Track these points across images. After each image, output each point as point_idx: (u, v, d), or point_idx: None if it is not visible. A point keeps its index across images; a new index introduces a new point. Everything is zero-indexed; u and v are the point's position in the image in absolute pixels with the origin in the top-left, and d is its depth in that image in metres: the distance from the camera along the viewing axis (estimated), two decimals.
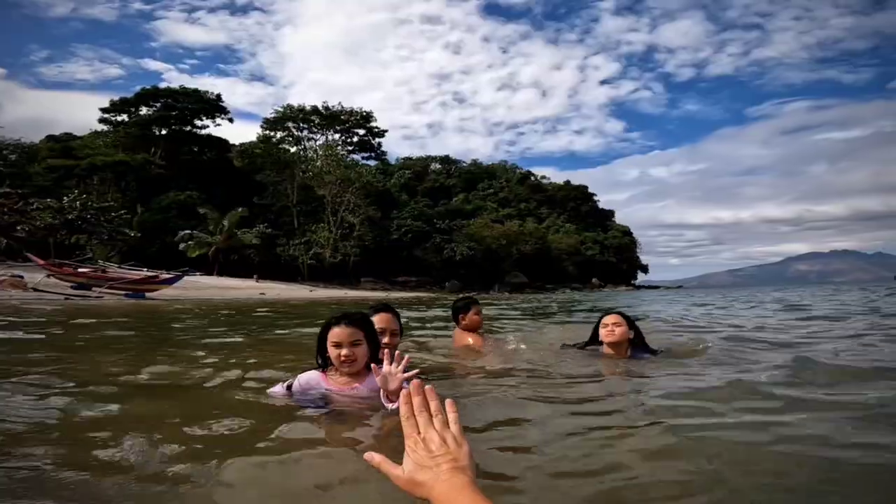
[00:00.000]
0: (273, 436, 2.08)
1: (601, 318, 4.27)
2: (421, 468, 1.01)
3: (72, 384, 3.02)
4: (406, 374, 2.26)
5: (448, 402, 1.13)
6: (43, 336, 6.04)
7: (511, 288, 66.31)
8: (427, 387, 1.15)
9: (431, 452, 1.02)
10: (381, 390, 2.27)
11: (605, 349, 4.18)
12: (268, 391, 2.75)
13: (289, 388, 2.68)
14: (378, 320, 3.07)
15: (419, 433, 1.07)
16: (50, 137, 59.13)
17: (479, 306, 4.93)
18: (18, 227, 26.24)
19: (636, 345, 4.22)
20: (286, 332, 7.49)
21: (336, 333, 2.50)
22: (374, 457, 1.08)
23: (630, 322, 4.23)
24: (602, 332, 4.17)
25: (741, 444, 1.98)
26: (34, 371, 3.38)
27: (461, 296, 5.76)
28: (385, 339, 3.00)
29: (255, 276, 42.77)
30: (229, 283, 34.78)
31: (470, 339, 4.88)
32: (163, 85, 59.29)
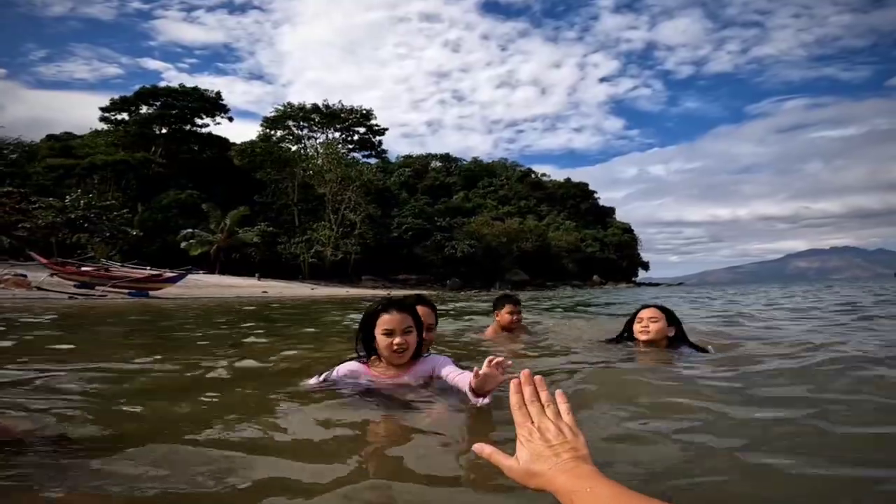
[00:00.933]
0: (334, 428, 1.94)
1: (636, 312, 3.78)
2: (538, 458, 0.98)
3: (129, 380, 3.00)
4: (505, 377, 2.01)
5: (558, 392, 1.10)
6: (73, 334, 6.03)
7: (512, 286, 66.22)
8: (537, 377, 1.13)
9: (549, 442, 1.00)
10: (468, 387, 2.07)
11: (640, 348, 3.68)
12: (301, 385, 2.62)
13: (325, 380, 2.56)
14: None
15: (532, 423, 1.04)
16: (50, 137, 59.03)
17: (513, 305, 4.79)
18: (20, 226, 26.22)
19: (677, 346, 3.65)
20: (318, 329, 7.34)
21: (388, 320, 2.38)
22: (485, 448, 1.06)
23: (670, 316, 3.68)
24: (636, 328, 3.69)
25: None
26: (69, 366, 3.38)
27: (503, 292, 5.76)
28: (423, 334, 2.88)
29: (256, 275, 42.75)
30: (231, 281, 34.78)
31: (496, 337, 4.83)
32: (162, 84, 59.14)
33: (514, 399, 1.10)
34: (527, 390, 1.10)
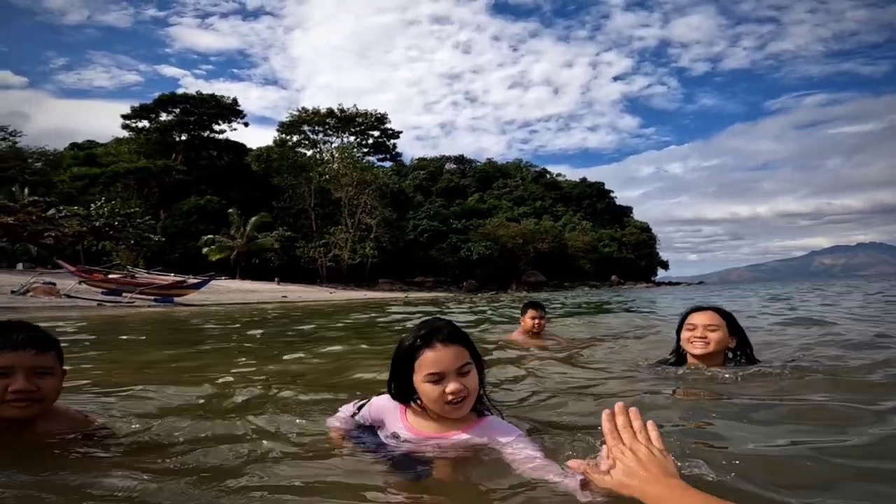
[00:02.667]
0: None
1: (685, 315, 2.95)
2: (630, 473, 1.14)
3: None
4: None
5: (650, 423, 1.27)
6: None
7: (528, 287, 66.04)
8: (632, 409, 1.29)
9: (640, 461, 1.14)
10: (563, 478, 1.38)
11: (690, 361, 2.93)
12: (336, 415, 2.08)
13: (359, 409, 1.97)
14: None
15: (624, 444, 1.22)
16: (73, 145, 60.38)
17: (534, 310, 4.82)
18: (46, 235, 26.88)
19: (737, 359, 2.94)
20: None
21: (433, 360, 1.62)
22: (579, 464, 1.27)
23: (732, 322, 2.89)
24: (685, 336, 2.90)
25: None
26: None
27: (530, 298, 5.83)
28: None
29: (275, 279, 43.26)
30: (251, 286, 35.19)
31: (520, 341, 4.87)
32: (180, 90, 60.27)
33: (606, 426, 1.26)
34: (620, 419, 1.26)
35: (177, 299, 19.33)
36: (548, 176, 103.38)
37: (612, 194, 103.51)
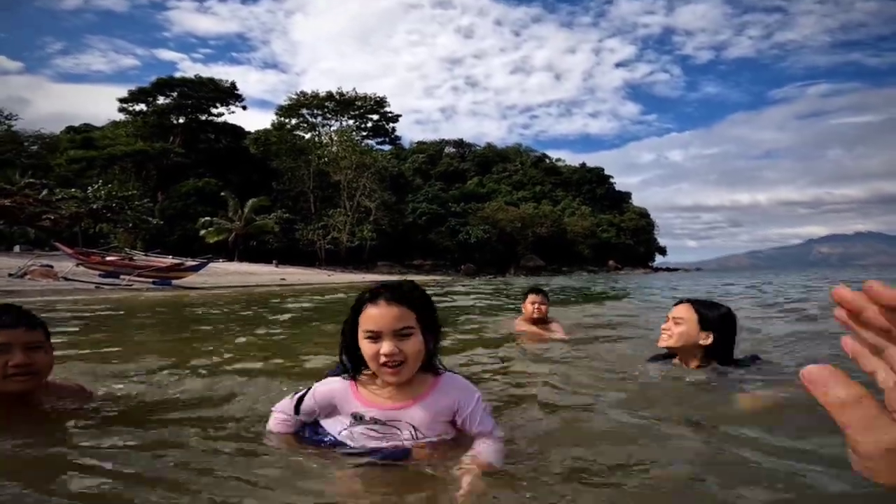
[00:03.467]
0: None
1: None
2: None
3: None
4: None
5: None
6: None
7: (527, 271, 66.30)
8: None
9: None
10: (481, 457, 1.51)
11: (676, 361, 2.86)
12: (272, 412, 1.81)
13: (299, 404, 1.72)
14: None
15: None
16: (70, 129, 59.92)
17: (534, 295, 4.70)
18: (43, 217, 26.88)
19: (714, 356, 2.72)
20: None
21: (372, 317, 1.56)
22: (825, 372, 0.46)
23: (707, 319, 2.68)
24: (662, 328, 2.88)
25: None
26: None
27: (532, 284, 5.72)
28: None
29: (274, 262, 43.34)
30: (250, 268, 35.29)
31: (522, 328, 4.74)
32: (178, 74, 59.80)
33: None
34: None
35: (174, 282, 19.39)
36: (547, 161, 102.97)
37: (611, 180, 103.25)
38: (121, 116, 58.00)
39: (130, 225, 34.43)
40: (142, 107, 57.22)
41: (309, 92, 64.77)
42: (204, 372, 3.07)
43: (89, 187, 32.34)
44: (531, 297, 4.69)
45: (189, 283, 19.91)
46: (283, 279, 30.03)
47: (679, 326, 2.69)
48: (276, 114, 64.53)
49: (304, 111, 64.53)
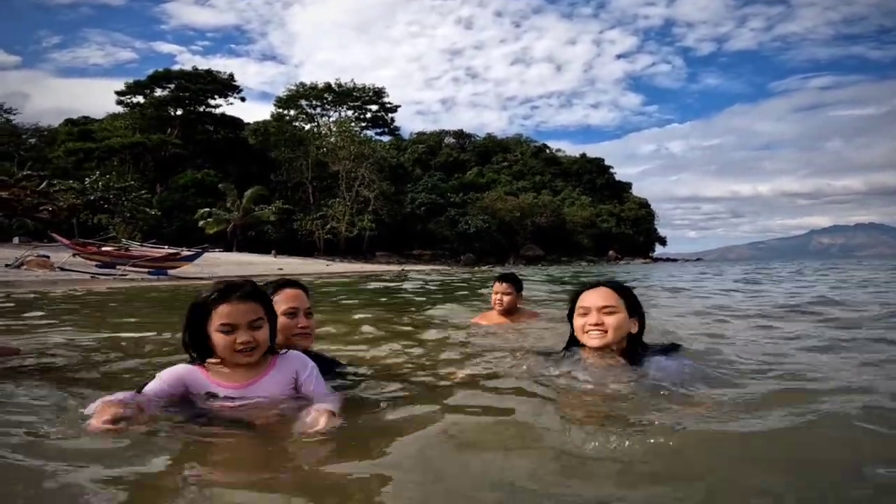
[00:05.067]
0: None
1: (575, 295, 2.34)
2: None
3: None
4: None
5: None
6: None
7: (526, 261, 66.42)
8: None
9: None
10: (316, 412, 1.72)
11: (586, 353, 2.27)
12: (86, 413, 1.69)
13: (141, 388, 1.84)
14: (286, 298, 2.28)
15: None
16: (68, 121, 59.96)
17: (502, 284, 4.25)
18: (41, 209, 27.08)
19: (634, 345, 2.28)
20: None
21: (226, 313, 1.79)
22: None
23: (632, 302, 2.28)
24: (578, 323, 2.27)
25: None
26: None
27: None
28: (301, 321, 2.28)
29: (272, 252, 43.56)
30: (248, 258, 35.48)
31: (482, 321, 4.38)
32: (176, 67, 59.58)
33: None
34: None
35: (171, 271, 19.59)
36: (547, 151, 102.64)
37: (611, 170, 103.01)
38: (119, 109, 58.13)
39: (128, 215, 34.62)
40: (139, 99, 57.27)
41: (307, 83, 64.82)
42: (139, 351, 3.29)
43: (86, 179, 32.49)
44: (496, 286, 4.26)
45: (185, 273, 20.08)
46: (281, 269, 30.19)
47: (611, 317, 2.19)
48: (275, 105, 64.66)
49: (303, 102, 64.56)
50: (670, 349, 2.47)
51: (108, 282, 14.60)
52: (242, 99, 61.09)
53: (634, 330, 2.26)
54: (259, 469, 1.48)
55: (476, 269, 48.62)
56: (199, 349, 1.85)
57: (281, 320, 2.09)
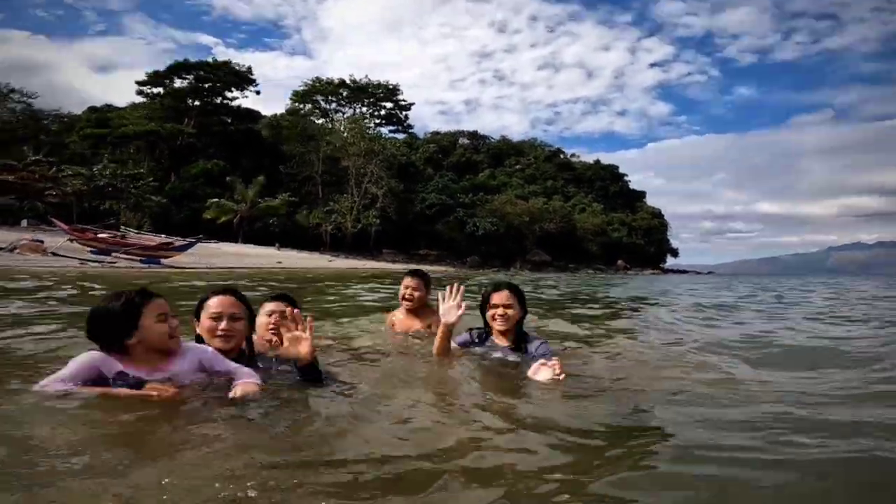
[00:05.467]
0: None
1: (488, 295, 3.34)
2: None
3: None
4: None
5: None
6: None
7: (532, 266, 66.09)
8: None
9: None
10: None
11: (495, 334, 3.38)
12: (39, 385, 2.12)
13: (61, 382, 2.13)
14: (216, 304, 2.59)
15: None
16: (91, 109, 61.21)
17: (411, 279, 4.28)
18: (47, 193, 27.71)
19: (519, 328, 3.36)
20: None
21: (160, 304, 2.23)
22: None
23: (522, 298, 3.36)
24: (489, 314, 3.33)
25: None
26: None
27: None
28: (223, 325, 2.54)
29: (276, 245, 44.00)
30: (249, 250, 35.85)
31: (392, 319, 4.45)
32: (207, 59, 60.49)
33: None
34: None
35: (164, 261, 19.94)
36: (561, 156, 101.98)
37: (625, 178, 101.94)
38: (140, 99, 59.25)
39: (132, 202, 35.24)
40: (160, 90, 58.31)
41: (324, 79, 65.30)
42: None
43: (95, 166, 33.17)
44: (405, 281, 4.28)
45: (178, 263, 20.44)
46: (280, 262, 30.43)
47: (510, 310, 3.24)
48: (291, 99, 65.22)
49: (319, 97, 65.09)
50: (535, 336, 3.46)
51: (96, 268, 14.92)
52: (257, 92, 61.90)
53: (520, 316, 3.31)
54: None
55: (480, 272, 48.58)
56: (116, 339, 2.16)
57: (207, 324, 2.52)
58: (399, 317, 4.38)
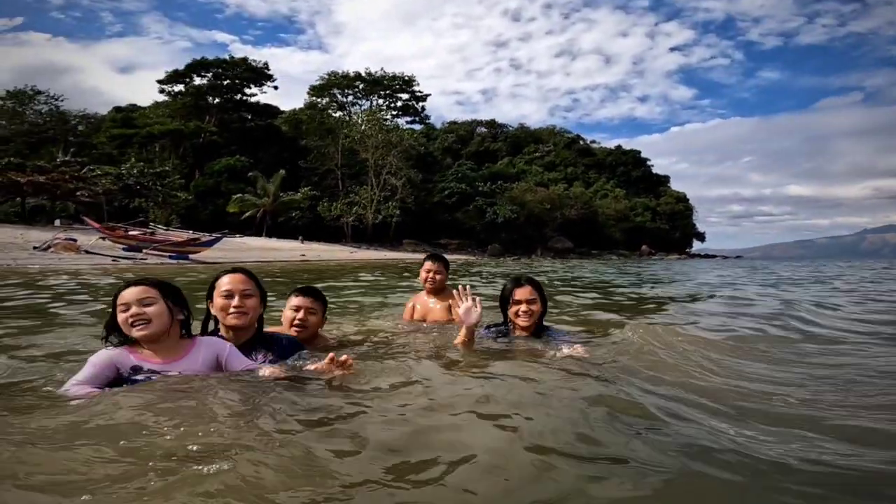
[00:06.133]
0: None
1: (510, 291, 3.30)
2: None
3: None
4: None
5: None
6: None
7: (554, 253, 65.60)
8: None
9: None
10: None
11: (517, 333, 3.34)
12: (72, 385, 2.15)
13: (84, 383, 2.16)
14: (229, 282, 2.64)
15: None
16: (116, 108, 62.54)
17: (431, 262, 4.42)
18: (78, 193, 28.47)
19: (540, 321, 3.36)
20: None
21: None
22: None
23: (543, 293, 3.32)
24: (511, 311, 3.29)
25: None
26: None
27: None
28: (235, 301, 2.60)
29: (300, 238, 44.56)
30: (273, 244, 36.40)
31: (416, 304, 4.59)
32: (224, 56, 61.19)
33: None
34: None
35: (192, 256, 20.33)
36: (581, 142, 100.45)
37: (648, 162, 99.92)
38: (161, 98, 60.31)
39: (160, 199, 35.99)
40: (180, 88, 59.22)
41: (339, 72, 65.53)
42: None
43: (123, 165, 33.94)
44: (426, 265, 4.41)
45: (206, 258, 20.81)
46: (304, 255, 30.83)
47: (534, 305, 3.21)
48: (308, 93, 65.62)
49: (335, 91, 65.37)
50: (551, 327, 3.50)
51: (128, 265, 15.30)
52: (276, 87, 62.39)
53: (542, 311, 3.30)
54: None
55: (502, 259, 48.45)
56: (120, 334, 2.20)
57: (220, 302, 2.56)
58: (421, 299, 4.55)
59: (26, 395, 2.28)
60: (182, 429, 1.70)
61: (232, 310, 2.52)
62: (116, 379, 2.15)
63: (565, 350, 2.97)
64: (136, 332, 2.17)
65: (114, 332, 2.22)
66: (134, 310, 2.16)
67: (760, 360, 3.52)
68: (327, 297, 3.29)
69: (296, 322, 3.09)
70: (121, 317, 2.17)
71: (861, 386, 2.86)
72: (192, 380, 2.18)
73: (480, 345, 3.26)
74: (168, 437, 1.65)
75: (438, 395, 2.27)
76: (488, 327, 3.48)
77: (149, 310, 2.18)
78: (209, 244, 20.96)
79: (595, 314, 6.00)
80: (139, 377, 2.16)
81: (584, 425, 1.90)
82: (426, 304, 4.48)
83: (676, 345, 3.68)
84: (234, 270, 2.65)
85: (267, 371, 2.31)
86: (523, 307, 3.19)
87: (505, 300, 3.30)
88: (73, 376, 2.17)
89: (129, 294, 2.18)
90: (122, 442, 1.61)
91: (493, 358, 2.94)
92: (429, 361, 2.89)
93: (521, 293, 3.21)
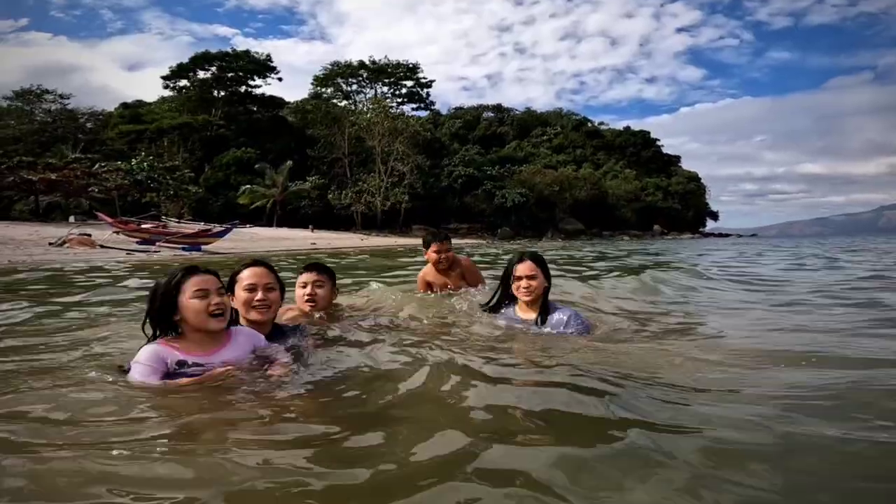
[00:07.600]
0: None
1: (511, 266, 3.35)
2: None
3: None
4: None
5: None
6: None
7: (565, 235, 65.29)
8: None
9: None
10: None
11: (520, 310, 3.39)
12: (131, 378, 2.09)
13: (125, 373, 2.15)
14: (249, 275, 2.62)
15: None
16: (123, 105, 62.95)
17: (439, 244, 4.53)
18: (89, 189, 28.81)
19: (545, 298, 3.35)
20: None
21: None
22: None
23: (546, 268, 3.34)
24: (514, 286, 3.33)
25: None
26: None
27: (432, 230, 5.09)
28: (258, 295, 2.57)
29: (310, 227, 44.80)
30: (283, 233, 36.64)
31: (426, 277, 4.74)
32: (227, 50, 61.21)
33: None
34: None
35: (204, 247, 20.53)
36: (589, 124, 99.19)
37: (658, 143, 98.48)
38: (167, 92, 60.58)
39: (171, 193, 36.33)
40: (185, 82, 59.41)
41: (343, 62, 65.34)
42: None
43: (133, 160, 34.25)
44: (434, 246, 4.53)
45: (218, 249, 21.02)
46: (314, 244, 30.98)
47: (534, 280, 3.23)
48: (312, 84, 65.56)
49: (340, 80, 65.22)
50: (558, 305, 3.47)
51: (142, 258, 15.51)
52: (280, 79, 62.41)
53: (546, 285, 3.30)
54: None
55: (512, 242, 48.37)
56: (164, 327, 2.14)
57: (242, 296, 2.52)
58: (432, 272, 4.73)
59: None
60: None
61: (256, 303, 2.50)
62: (165, 373, 2.07)
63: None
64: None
65: (160, 326, 2.15)
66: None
67: None
68: (339, 278, 3.41)
69: (306, 297, 3.24)
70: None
71: None
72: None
73: (480, 321, 3.45)
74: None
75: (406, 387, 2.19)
76: (484, 308, 3.62)
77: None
78: (220, 235, 21.16)
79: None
80: (186, 370, 2.10)
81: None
82: (439, 278, 4.69)
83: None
84: (255, 263, 2.63)
85: (278, 371, 2.21)
86: (524, 283, 3.24)
87: (507, 275, 3.38)
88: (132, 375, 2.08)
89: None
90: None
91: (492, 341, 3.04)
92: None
93: (523, 269, 3.26)
